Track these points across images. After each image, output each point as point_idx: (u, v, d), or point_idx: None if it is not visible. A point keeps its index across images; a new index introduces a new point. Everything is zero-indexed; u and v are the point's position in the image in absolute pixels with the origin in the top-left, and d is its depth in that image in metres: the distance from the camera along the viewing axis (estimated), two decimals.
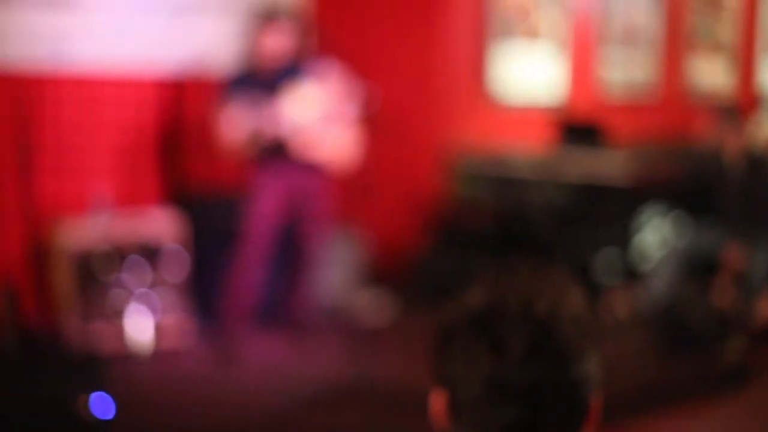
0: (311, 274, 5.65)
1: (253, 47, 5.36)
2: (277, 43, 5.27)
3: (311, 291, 5.72)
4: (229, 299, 5.47)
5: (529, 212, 6.41)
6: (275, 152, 5.31)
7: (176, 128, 6.21)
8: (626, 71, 8.65)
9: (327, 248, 6.27)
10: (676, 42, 8.76)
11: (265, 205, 5.38)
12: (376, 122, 5.21)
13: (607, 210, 6.88)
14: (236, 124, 5.18)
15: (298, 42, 5.38)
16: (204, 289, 5.88)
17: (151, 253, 5.43)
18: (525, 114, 7.90)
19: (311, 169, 5.44)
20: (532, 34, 7.98)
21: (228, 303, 5.47)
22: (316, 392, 4.93)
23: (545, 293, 1.34)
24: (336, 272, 6.50)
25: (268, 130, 5.21)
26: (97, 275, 5.49)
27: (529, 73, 7.94)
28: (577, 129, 6.67)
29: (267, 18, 5.31)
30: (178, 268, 5.60)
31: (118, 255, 5.39)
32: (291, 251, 5.62)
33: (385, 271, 7.14)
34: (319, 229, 5.59)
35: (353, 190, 5.11)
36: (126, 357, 5.40)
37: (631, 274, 6.72)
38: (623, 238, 6.75)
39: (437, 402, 1.39)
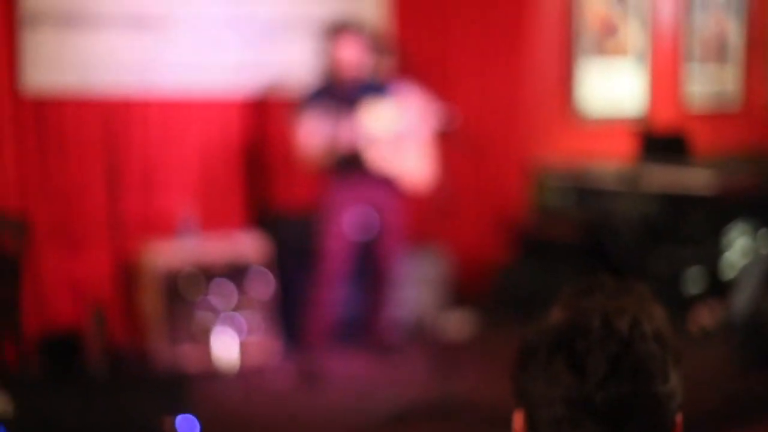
0: (391, 291, 5.63)
1: (327, 59, 5.39)
2: (350, 53, 5.29)
3: (392, 309, 5.69)
4: (310, 318, 5.48)
5: (616, 224, 6.35)
6: (350, 165, 5.32)
7: (260, 149, 6.29)
8: (709, 83, 8.60)
9: (407, 265, 6.29)
10: (759, 53, 8.65)
11: (341, 222, 5.40)
12: (460, 139, 5.18)
13: (693, 221, 6.78)
14: (313, 135, 5.22)
15: (372, 55, 5.40)
16: (288, 309, 5.93)
17: (236, 274, 5.49)
18: (610, 128, 7.87)
19: (386, 185, 5.44)
20: (616, 50, 7.97)
21: (310, 322, 5.49)
22: (399, 410, 4.92)
23: (626, 310, 1.32)
24: (420, 289, 6.51)
25: (343, 143, 5.22)
26: (184, 296, 5.56)
27: (614, 88, 7.94)
28: (662, 141, 6.61)
29: (338, 29, 5.35)
30: (263, 288, 5.65)
31: (204, 276, 5.45)
32: (369, 269, 5.60)
33: (469, 287, 7.13)
34: (396, 246, 5.57)
35: (438, 207, 5.09)
36: (212, 377, 5.45)
37: (718, 285, 6.62)
38: (709, 249, 6.64)
39: (518, 421, 1.37)
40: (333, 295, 5.43)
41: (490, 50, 7.11)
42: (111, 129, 5.56)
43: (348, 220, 5.39)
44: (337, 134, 5.21)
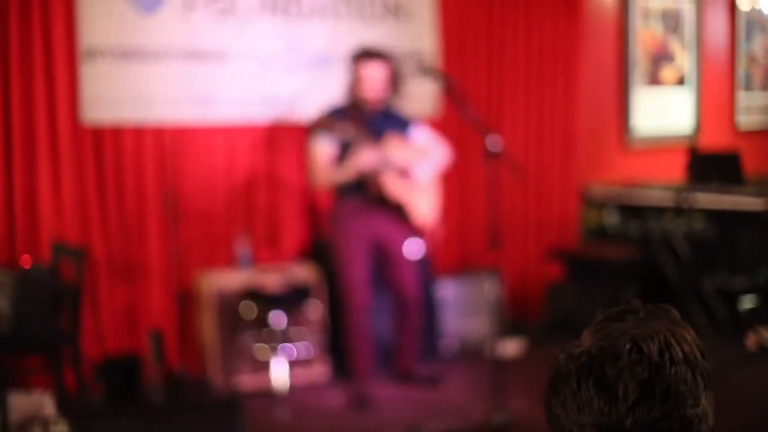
0: (416, 320, 5.58)
1: (351, 82, 5.42)
2: (372, 78, 5.30)
3: (417, 338, 5.65)
4: (350, 346, 5.51)
5: (670, 245, 6.34)
6: (362, 191, 5.34)
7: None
8: (759, 111, 8.63)
9: (455, 290, 6.33)
10: None
11: (356, 251, 5.40)
12: (507, 165, 5.18)
13: (746, 240, 6.74)
14: (325, 157, 5.26)
15: (394, 83, 5.40)
16: (338, 335, 6.00)
17: (289, 301, 5.54)
18: (662, 152, 7.90)
19: (398, 214, 5.43)
20: (669, 77, 8.01)
21: (350, 350, 5.52)
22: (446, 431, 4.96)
23: (656, 334, 1.33)
24: (473, 313, 6.56)
25: (357, 167, 5.24)
26: (239, 322, 5.64)
27: (666, 114, 7.98)
28: (714, 160, 6.59)
29: (362, 54, 5.38)
30: (314, 314, 5.71)
31: (258, 302, 5.52)
32: (394, 298, 5.59)
33: (523, 310, 7.16)
34: (414, 274, 5.52)
35: (489, 235, 5.09)
36: (266, 401, 5.53)
37: None
38: (763, 268, 6.61)
39: None
40: (362, 322, 5.41)
41: (545, 79, 7.16)
42: (167, 158, 5.66)
43: (361, 249, 5.40)
44: (350, 158, 5.24)
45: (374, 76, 5.29)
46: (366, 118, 5.36)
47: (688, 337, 1.37)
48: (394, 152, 5.34)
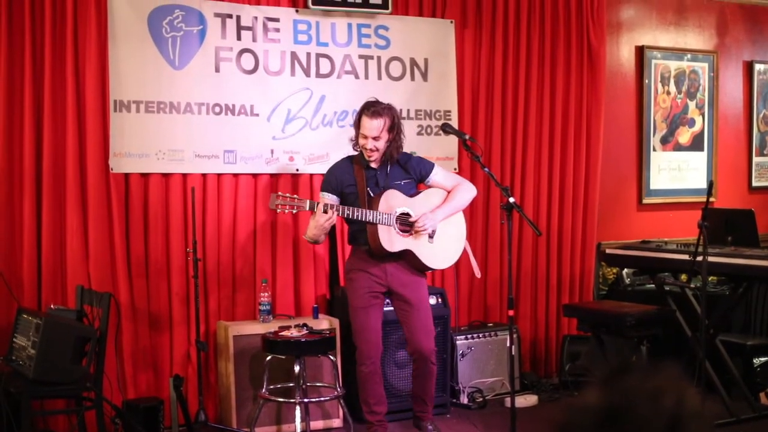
0: (432, 369, 5.53)
1: (356, 136, 5.44)
2: (370, 128, 5.30)
3: (430, 386, 5.60)
4: (362, 393, 5.53)
5: (687, 300, 6.39)
6: (367, 244, 5.35)
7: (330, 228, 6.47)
8: None
9: (473, 340, 6.38)
10: None
11: (365, 298, 5.40)
12: (532, 224, 5.21)
13: (761, 295, 6.79)
14: (324, 213, 5.21)
15: (394, 132, 5.36)
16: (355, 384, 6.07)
17: (309, 350, 5.60)
18: (678, 212, 8.00)
19: (408, 263, 5.43)
20: (685, 139, 8.13)
21: (362, 397, 5.54)
22: None
23: (668, 389, 1.33)
24: (490, 364, 6.62)
25: (318, 223, 5.22)
26: (259, 370, 5.70)
27: (682, 176, 8.09)
28: (729, 218, 6.65)
29: (363, 107, 5.41)
30: (333, 365, 5.77)
31: (278, 351, 5.57)
32: (408, 346, 5.57)
33: (540, 362, 7.22)
34: (426, 323, 5.47)
35: (511, 287, 5.12)
36: None
37: None
38: None
39: None
40: (371, 370, 5.42)
41: (565, 139, 7.30)
42: (191, 208, 5.75)
43: (372, 297, 5.41)
44: (353, 212, 5.25)
45: (372, 127, 5.34)
46: (370, 174, 5.41)
47: (694, 393, 1.37)
48: (396, 201, 5.36)
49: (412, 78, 6.71)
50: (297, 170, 6.32)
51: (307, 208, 5.19)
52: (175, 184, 5.96)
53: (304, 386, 5.64)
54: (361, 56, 6.51)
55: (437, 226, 5.43)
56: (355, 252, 5.49)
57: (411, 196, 5.45)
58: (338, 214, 5.21)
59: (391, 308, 5.62)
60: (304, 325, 5.71)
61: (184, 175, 5.99)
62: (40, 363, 4.66)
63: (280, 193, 5.22)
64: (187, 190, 5.93)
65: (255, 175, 6.21)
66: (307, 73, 6.33)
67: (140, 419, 5.21)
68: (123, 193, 5.84)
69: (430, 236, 5.43)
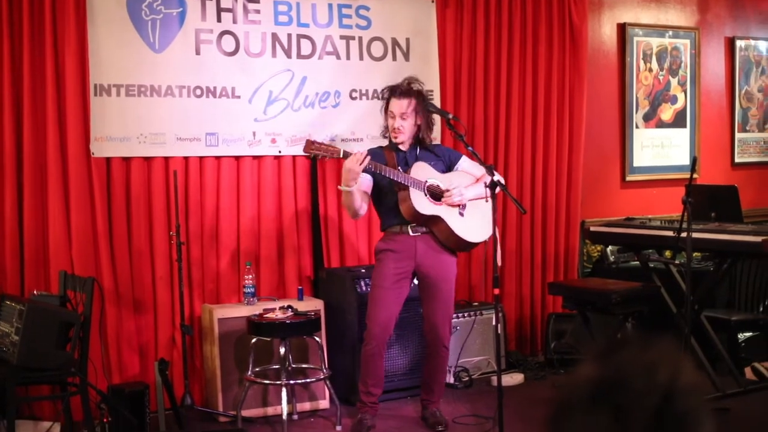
0: (443, 354, 5.57)
1: (384, 121, 5.49)
2: (399, 107, 5.33)
3: (443, 372, 5.66)
4: (362, 372, 5.54)
5: (671, 276, 6.41)
6: (401, 222, 5.37)
7: (316, 207, 6.46)
8: (758, 149, 8.76)
9: (463, 319, 6.39)
10: None
11: (388, 278, 5.40)
12: (517, 201, 5.20)
13: (745, 271, 6.81)
14: (362, 194, 5.29)
15: (423, 116, 5.43)
16: (344, 363, 6.08)
17: (294, 332, 5.59)
18: (661, 188, 8.02)
19: (435, 243, 5.43)
20: (667, 116, 8.14)
21: (362, 376, 5.55)
22: None
23: (663, 363, 1.31)
24: (474, 342, 6.62)
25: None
26: (245, 353, 5.70)
27: (665, 152, 8.11)
28: (713, 194, 6.66)
29: (395, 87, 5.44)
30: (320, 341, 5.76)
31: (263, 333, 5.57)
32: (424, 331, 5.60)
33: (525, 339, 7.25)
34: (446, 306, 5.51)
35: (492, 268, 5.10)
36: (271, 430, 5.59)
37: None
38: (761, 297, 6.69)
39: None
40: (375, 352, 5.41)
41: (548, 117, 7.30)
42: (174, 192, 5.72)
43: (394, 279, 5.41)
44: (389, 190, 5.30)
45: (399, 105, 5.35)
46: (400, 156, 5.43)
47: (690, 367, 1.34)
48: (428, 179, 5.37)
49: (394, 58, 6.69)
50: (279, 152, 6.29)
51: (341, 155, 5.18)
52: (157, 167, 5.93)
53: (289, 368, 5.64)
54: (342, 37, 6.49)
55: (466, 202, 5.43)
56: (386, 234, 5.47)
57: (441, 173, 5.48)
58: (372, 170, 5.18)
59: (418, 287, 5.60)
60: (289, 306, 5.70)
61: (166, 159, 5.96)
62: (24, 349, 4.63)
63: (315, 139, 5.24)
64: (170, 174, 5.89)
65: (237, 158, 6.19)
66: (288, 55, 6.31)
67: (126, 404, 5.19)
68: (104, 177, 5.80)
69: (461, 212, 5.43)
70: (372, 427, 5.51)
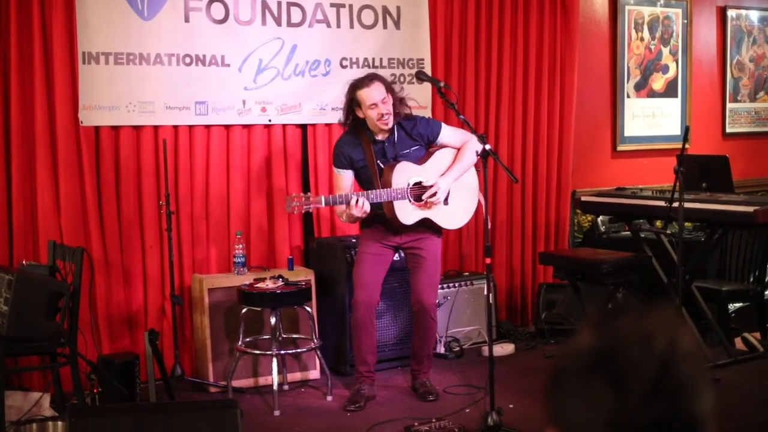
0: (432, 326, 5.58)
1: (348, 109, 5.39)
2: (378, 95, 5.26)
3: (431, 343, 5.67)
4: (353, 341, 5.57)
5: (662, 246, 6.40)
6: (383, 214, 5.36)
7: (305, 176, 6.43)
8: (750, 119, 8.75)
9: (453, 289, 6.39)
10: None
11: (372, 249, 5.44)
12: (507, 170, 5.17)
13: (736, 241, 6.81)
14: (345, 189, 5.32)
15: (394, 95, 5.35)
16: (336, 332, 6.07)
17: (284, 302, 5.58)
18: (652, 158, 8.01)
19: (421, 223, 5.43)
20: (659, 85, 8.11)
21: (353, 345, 5.58)
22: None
23: (661, 330, 1.29)
24: (466, 312, 6.62)
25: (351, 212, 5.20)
26: (235, 323, 5.68)
27: (657, 122, 8.09)
28: (703, 163, 6.65)
29: (356, 82, 5.34)
30: (309, 316, 5.75)
31: (253, 303, 5.55)
32: (411, 302, 5.59)
33: (516, 309, 7.25)
34: (432, 279, 5.52)
35: (487, 234, 5.09)
36: (262, 401, 5.58)
37: (762, 306, 6.68)
38: (752, 268, 6.70)
39: None
40: (364, 319, 5.43)
41: (539, 86, 7.27)
42: (164, 161, 5.68)
43: (379, 248, 5.44)
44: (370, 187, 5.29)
45: (376, 92, 5.28)
46: (377, 148, 5.38)
47: (690, 334, 1.33)
48: (410, 170, 5.35)
49: (385, 26, 6.63)
50: (270, 121, 6.25)
51: (323, 205, 5.23)
52: (147, 136, 5.88)
53: (280, 338, 5.63)
54: (332, 4, 6.43)
55: (450, 187, 5.42)
56: (372, 213, 5.39)
57: (421, 161, 5.42)
58: (364, 200, 5.16)
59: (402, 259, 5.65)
60: (280, 276, 5.67)
61: (156, 128, 5.91)
62: (13, 320, 4.60)
63: (294, 194, 5.20)
64: (159, 143, 5.84)
65: (227, 127, 6.14)
66: (278, 22, 6.25)
67: (116, 374, 5.18)
68: (93, 146, 5.75)
69: (445, 200, 5.43)
70: (372, 397, 5.53)
